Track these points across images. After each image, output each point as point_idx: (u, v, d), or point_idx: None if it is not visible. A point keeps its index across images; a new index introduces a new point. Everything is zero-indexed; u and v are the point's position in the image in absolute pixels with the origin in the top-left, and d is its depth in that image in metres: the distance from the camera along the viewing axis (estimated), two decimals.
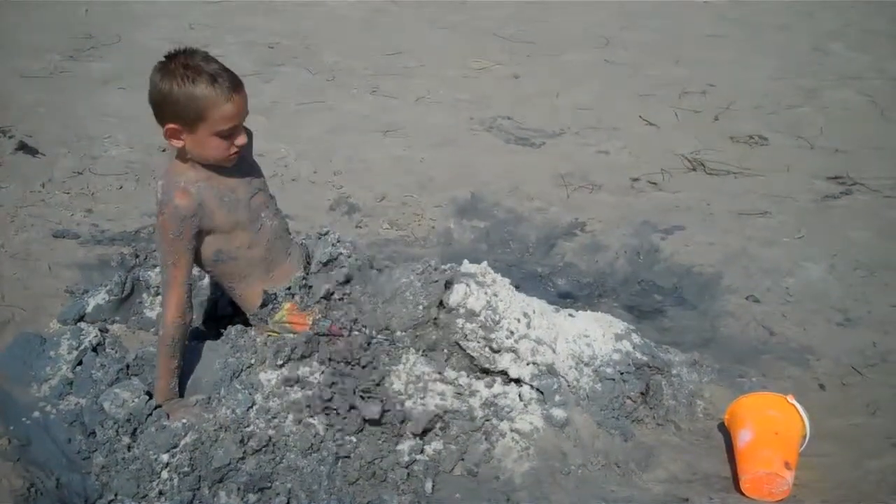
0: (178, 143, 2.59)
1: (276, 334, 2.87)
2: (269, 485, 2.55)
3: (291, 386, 2.73)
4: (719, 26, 7.84)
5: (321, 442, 2.62)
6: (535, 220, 4.35)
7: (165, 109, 2.54)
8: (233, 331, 2.94)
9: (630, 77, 6.51)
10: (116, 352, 3.00)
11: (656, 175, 4.87)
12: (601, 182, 4.79)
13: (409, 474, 2.61)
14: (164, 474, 2.56)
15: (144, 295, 3.33)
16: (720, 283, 3.79)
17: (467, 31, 7.67)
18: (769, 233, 4.22)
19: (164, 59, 2.54)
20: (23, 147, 4.68)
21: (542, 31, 7.70)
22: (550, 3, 8.47)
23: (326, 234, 3.03)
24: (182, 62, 2.51)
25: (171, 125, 2.54)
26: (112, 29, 7.18)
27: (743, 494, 2.61)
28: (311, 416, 2.66)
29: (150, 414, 2.68)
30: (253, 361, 2.82)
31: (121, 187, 4.42)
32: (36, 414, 2.73)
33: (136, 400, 2.71)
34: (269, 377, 2.77)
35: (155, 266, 3.49)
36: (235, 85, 2.55)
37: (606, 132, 5.48)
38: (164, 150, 4.90)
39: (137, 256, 3.68)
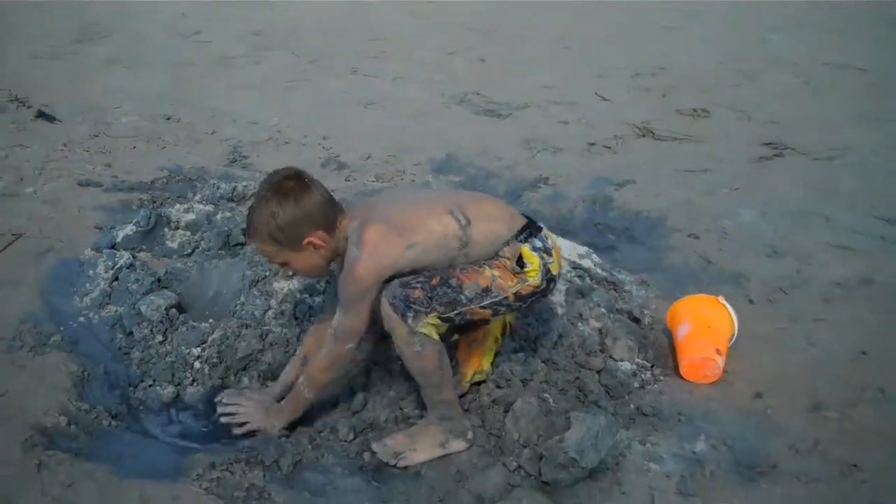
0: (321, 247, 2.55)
1: None
2: None
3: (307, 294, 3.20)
4: (672, 20, 8.46)
5: None
6: (503, 176, 4.82)
7: (303, 225, 2.48)
8: (248, 249, 3.41)
9: (588, 62, 7.07)
10: (146, 271, 3.41)
11: (610, 140, 5.39)
12: (562, 146, 5.29)
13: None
14: (196, 365, 2.98)
15: (166, 229, 3.73)
16: (665, 224, 4.27)
17: (441, 22, 8.29)
18: (709, 186, 4.72)
19: (267, 188, 2.51)
20: (41, 115, 5.06)
21: (508, 23, 8.31)
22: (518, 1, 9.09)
23: None
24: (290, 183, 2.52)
25: (310, 238, 2.50)
26: (113, 19, 7.76)
27: (683, 378, 3.04)
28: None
29: (180, 317, 3.12)
30: (268, 273, 3.28)
31: (134, 147, 4.83)
32: (81, 319, 3.12)
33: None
34: (282, 286, 3.23)
35: (175, 204, 3.93)
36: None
37: (566, 106, 6.01)
38: (171, 118, 5.31)
39: (154, 202, 4.08)
